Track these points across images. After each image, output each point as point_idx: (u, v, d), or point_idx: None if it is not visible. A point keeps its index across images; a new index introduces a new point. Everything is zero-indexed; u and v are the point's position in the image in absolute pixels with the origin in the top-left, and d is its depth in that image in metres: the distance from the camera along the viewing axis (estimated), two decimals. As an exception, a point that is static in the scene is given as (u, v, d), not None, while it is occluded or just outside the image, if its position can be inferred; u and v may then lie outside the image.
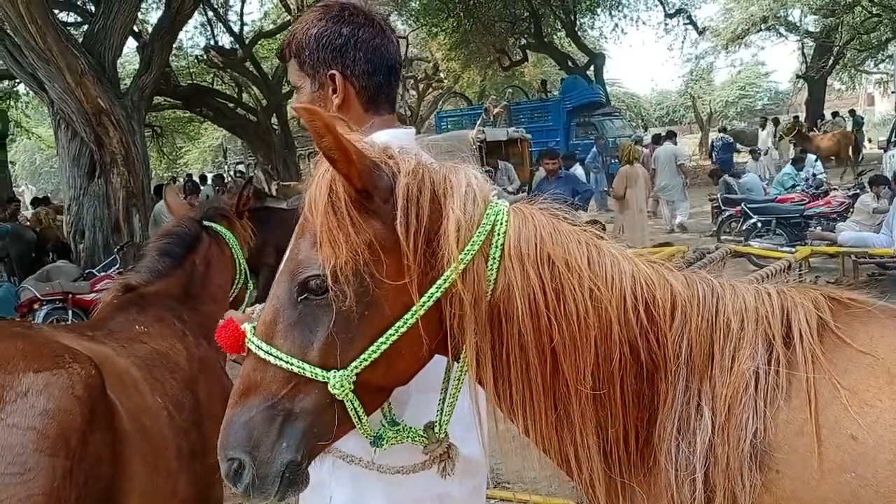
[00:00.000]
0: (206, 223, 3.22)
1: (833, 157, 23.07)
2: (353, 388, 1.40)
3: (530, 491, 1.65)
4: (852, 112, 28.56)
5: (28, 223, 16.10)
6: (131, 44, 16.42)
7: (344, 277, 1.37)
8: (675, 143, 17.41)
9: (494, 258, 1.40)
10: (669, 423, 1.40)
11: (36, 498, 1.71)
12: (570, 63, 32.49)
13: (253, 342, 1.45)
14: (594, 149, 21.15)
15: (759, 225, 11.90)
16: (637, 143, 17.70)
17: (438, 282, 1.40)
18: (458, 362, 1.48)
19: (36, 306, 9.45)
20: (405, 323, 1.40)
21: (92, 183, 12.05)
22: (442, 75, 36.83)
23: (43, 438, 1.76)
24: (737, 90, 55.30)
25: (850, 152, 23.62)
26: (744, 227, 12.19)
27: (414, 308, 1.40)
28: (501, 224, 1.43)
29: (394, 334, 1.40)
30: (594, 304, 1.39)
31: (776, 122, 27.49)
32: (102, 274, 10.38)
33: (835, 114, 29.26)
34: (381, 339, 1.40)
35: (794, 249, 8.50)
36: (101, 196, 12.02)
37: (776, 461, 1.31)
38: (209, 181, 25.13)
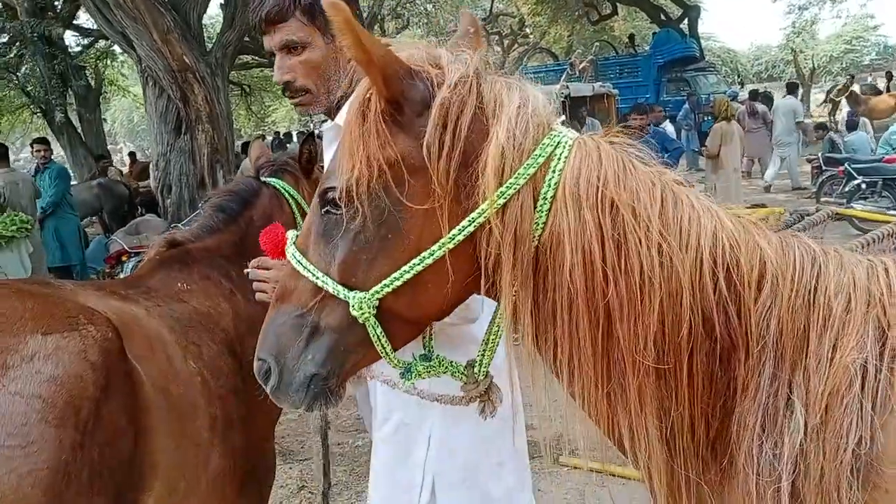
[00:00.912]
0: (265, 179, 3.09)
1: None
2: (374, 312, 1.33)
3: (604, 460, 1.46)
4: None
5: (120, 178, 16.61)
6: (217, 1, 16.47)
7: (358, 194, 1.30)
8: (797, 97, 16.63)
9: (545, 197, 1.26)
10: (751, 416, 1.18)
11: (40, 473, 1.57)
12: (662, 16, 31.22)
13: (290, 249, 1.45)
14: (686, 105, 20.26)
15: (864, 186, 11.20)
16: (733, 100, 16.91)
17: (472, 215, 1.28)
18: (498, 303, 1.38)
19: (124, 258, 9.70)
20: (431, 255, 1.30)
21: (178, 139, 12.18)
22: (528, 31, 36.02)
23: (49, 407, 1.62)
24: (842, 44, 52.14)
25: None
26: (846, 189, 11.46)
27: (442, 240, 1.29)
28: (559, 158, 1.27)
29: (418, 264, 1.30)
30: (662, 263, 1.21)
31: (889, 76, 25.76)
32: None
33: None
34: (404, 268, 1.31)
35: (902, 213, 7.89)
36: (187, 152, 12.14)
37: (885, 478, 1.06)
38: (294, 139, 25.41)
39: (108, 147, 26.71)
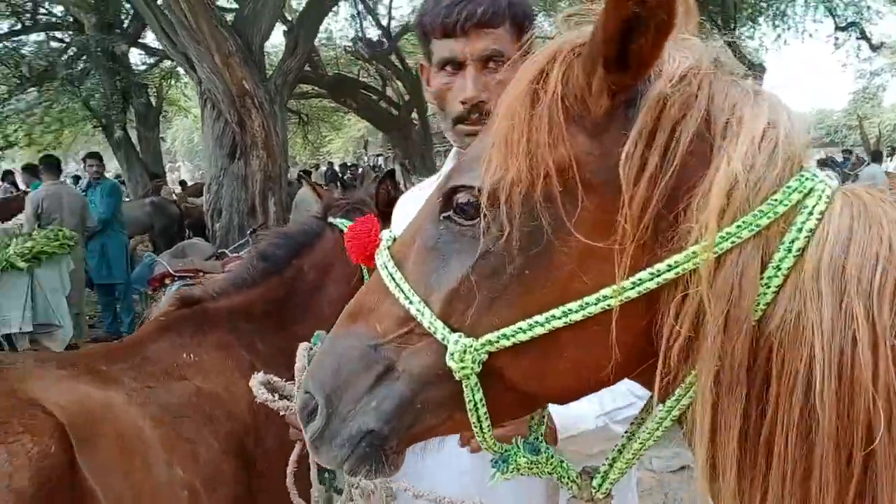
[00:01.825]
0: (333, 220, 2.58)
1: None
2: (478, 369, 0.98)
3: None
4: None
5: (174, 199, 16.67)
6: (280, 29, 16.64)
7: (509, 204, 0.95)
8: (881, 164, 16.05)
9: (779, 266, 0.89)
10: None
11: None
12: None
13: (382, 255, 1.11)
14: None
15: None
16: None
17: (660, 266, 0.91)
18: (662, 404, 0.99)
19: (168, 281, 9.53)
20: (581, 309, 0.94)
21: (232, 164, 12.20)
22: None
23: None
24: (908, 113, 50.97)
25: None
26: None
27: (606, 291, 0.93)
28: (812, 211, 0.90)
29: (558, 318, 0.94)
30: None
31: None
32: (234, 255, 10.43)
33: None
34: (537, 318, 0.95)
35: None
36: (239, 177, 12.15)
37: None
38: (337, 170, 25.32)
39: (167, 165, 27.08)
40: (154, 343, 2.06)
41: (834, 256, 0.86)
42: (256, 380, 1.58)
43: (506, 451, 1.13)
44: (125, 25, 18.45)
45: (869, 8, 25.84)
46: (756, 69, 30.00)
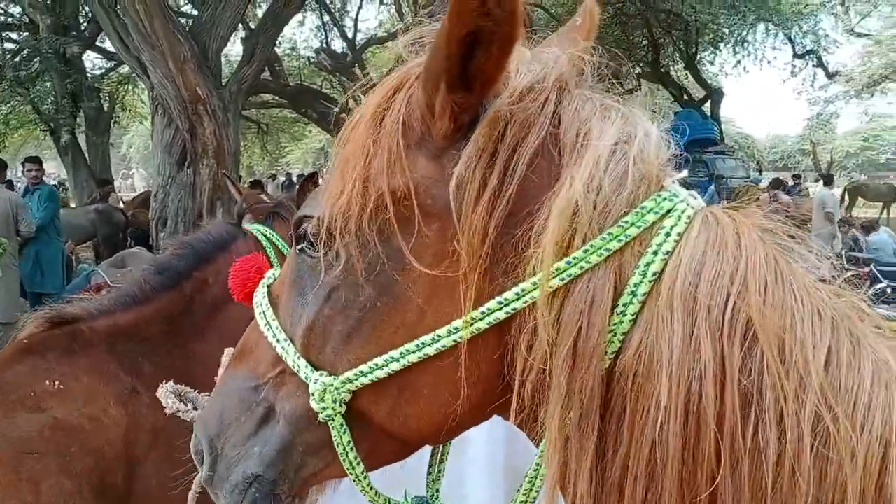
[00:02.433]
0: (248, 226, 2.42)
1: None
2: (342, 410, 0.95)
3: None
4: None
5: (122, 205, 16.20)
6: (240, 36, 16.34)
7: (342, 232, 0.92)
8: (831, 188, 16.39)
9: (634, 293, 0.83)
10: None
11: None
12: (685, 96, 31.20)
13: (259, 293, 1.10)
14: (711, 187, 19.63)
15: (890, 291, 10.66)
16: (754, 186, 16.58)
17: (508, 294, 0.87)
18: (537, 448, 0.93)
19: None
20: (434, 342, 0.89)
21: (181, 172, 11.86)
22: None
23: None
24: (860, 140, 52.20)
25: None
26: (870, 292, 10.95)
27: (457, 322, 0.88)
28: (668, 234, 0.84)
29: (412, 352, 0.90)
30: (817, 448, 0.76)
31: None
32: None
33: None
34: (392, 353, 0.91)
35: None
36: (188, 186, 11.81)
37: None
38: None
39: (122, 172, 26.45)
40: (9, 369, 1.82)
41: (687, 283, 0.81)
42: (165, 389, 1.46)
43: (392, 503, 1.07)
44: (83, 28, 17.97)
45: (827, 36, 26.47)
46: (715, 93, 30.52)
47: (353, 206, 0.91)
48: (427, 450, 1.14)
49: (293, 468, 1.01)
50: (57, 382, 1.79)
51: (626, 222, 0.84)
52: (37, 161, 10.34)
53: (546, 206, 0.86)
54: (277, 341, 1.00)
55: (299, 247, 1.01)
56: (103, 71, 21.84)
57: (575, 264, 0.84)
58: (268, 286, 1.11)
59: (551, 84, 0.91)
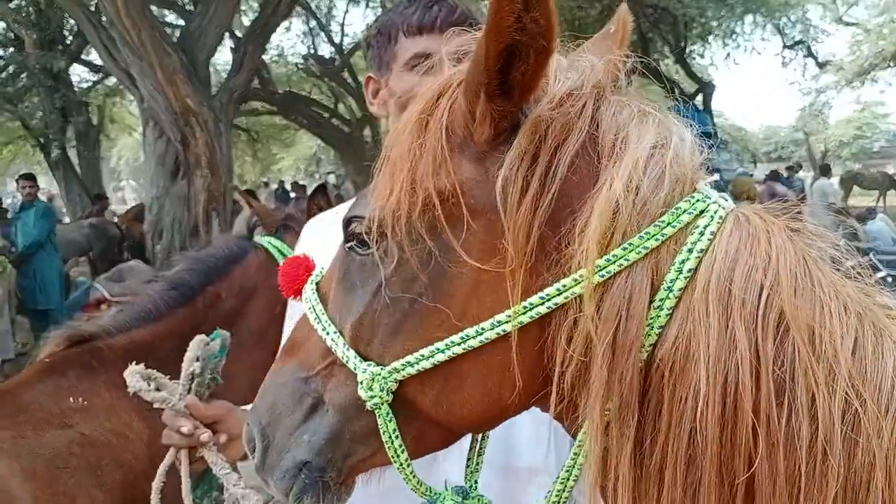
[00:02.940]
0: (259, 240, 2.42)
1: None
2: (388, 398, 1.01)
3: None
4: None
5: (115, 219, 16.15)
6: (228, 45, 16.27)
7: (393, 231, 0.98)
8: (829, 178, 16.49)
9: (671, 289, 0.88)
10: None
11: None
12: (677, 91, 31.31)
13: (308, 288, 1.17)
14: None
15: (890, 280, 10.69)
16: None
17: (550, 290, 0.91)
18: (574, 439, 0.98)
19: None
20: (479, 334, 0.95)
21: (174, 184, 11.82)
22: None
23: None
24: (853, 129, 52.43)
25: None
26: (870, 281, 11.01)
27: (501, 316, 0.93)
28: (702, 233, 0.90)
29: (458, 344, 0.96)
30: (847, 434, 0.82)
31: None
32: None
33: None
34: (438, 345, 0.97)
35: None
36: (182, 197, 11.77)
37: None
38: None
39: (111, 185, 26.41)
40: (33, 389, 1.86)
41: (722, 279, 0.86)
42: (132, 369, 1.45)
43: (435, 494, 1.13)
44: (68, 42, 17.90)
45: (816, 27, 26.55)
46: (707, 87, 30.60)
47: (402, 205, 0.96)
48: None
49: (341, 456, 1.07)
50: (80, 399, 1.84)
51: (663, 222, 0.90)
52: (31, 178, 10.40)
53: (587, 206, 0.91)
54: (327, 334, 1.06)
55: (348, 245, 1.07)
56: (90, 84, 21.76)
57: (615, 261, 0.89)
58: (316, 283, 1.17)
59: (589, 90, 0.96)
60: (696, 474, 0.86)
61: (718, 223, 0.91)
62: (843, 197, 25.21)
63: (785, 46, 29.77)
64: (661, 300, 0.88)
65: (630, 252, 0.89)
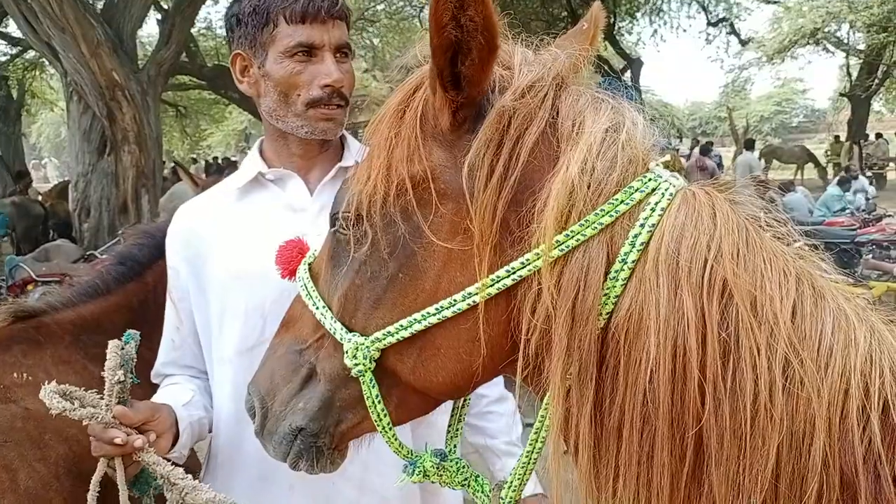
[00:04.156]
0: None
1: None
2: (371, 366, 1.10)
3: None
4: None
5: (39, 197, 15.63)
6: (155, 17, 15.79)
7: (369, 214, 1.08)
8: (753, 152, 16.92)
9: (625, 260, 0.96)
10: None
11: None
12: (605, 67, 31.71)
13: (300, 270, 1.28)
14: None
15: (807, 248, 11.15)
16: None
17: (515, 263, 1.00)
18: (542, 402, 1.05)
19: (30, 287, 8.83)
20: (451, 305, 1.03)
21: (101, 160, 11.51)
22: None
23: None
24: (773, 105, 54.06)
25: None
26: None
27: (470, 288, 1.02)
28: (653, 209, 0.97)
29: (432, 315, 1.05)
30: (788, 388, 0.89)
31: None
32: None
33: (878, 135, 28.13)
34: (414, 316, 1.06)
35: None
36: (109, 174, 11.47)
37: None
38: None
39: (32, 162, 25.41)
40: None
41: (670, 251, 0.93)
42: (48, 389, 1.44)
43: (416, 455, 1.24)
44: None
45: (738, 4, 27.19)
46: (635, 63, 31.09)
47: (378, 189, 1.05)
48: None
49: (332, 422, 1.17)
50: (24, 374, 1.83)
51: (617, 199, 0.97)
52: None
53: (547, 187, 0.98)
54: (317, 308, 1.16)
55: (333, 228, 1.17)
56: (8, 57, 20.84)
57: (572, 236, 0.96)
58: (309, 264, 1.28)
59: (550, 81, 1.04)
60: (650, 431, 0.93)
61: (669, 199, 0.97)
62: (764, 170, 26.04)
63: (709, 24, 30.47)
64: (616, 272, 0.95)
65: (586, 228, 0.96)
